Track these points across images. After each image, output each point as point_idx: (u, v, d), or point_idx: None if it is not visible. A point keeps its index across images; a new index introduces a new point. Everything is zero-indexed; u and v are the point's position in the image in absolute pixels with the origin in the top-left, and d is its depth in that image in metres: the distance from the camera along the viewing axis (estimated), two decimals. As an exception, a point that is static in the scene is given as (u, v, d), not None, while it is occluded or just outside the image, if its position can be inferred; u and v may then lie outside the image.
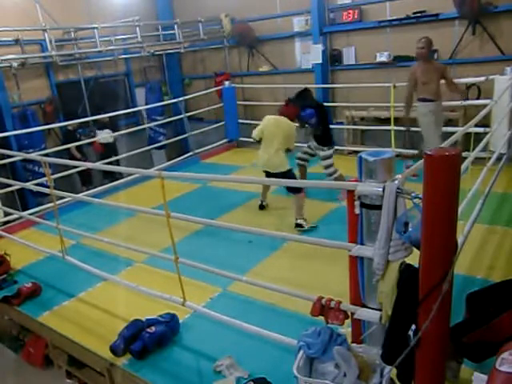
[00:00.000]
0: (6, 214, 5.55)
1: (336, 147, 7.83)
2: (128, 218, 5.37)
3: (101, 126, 7.81)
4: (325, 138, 5.59)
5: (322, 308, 2.47)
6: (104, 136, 7.57)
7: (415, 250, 1.94)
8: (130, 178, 6.73)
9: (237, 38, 8.86)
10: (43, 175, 6.61)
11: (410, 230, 1.89)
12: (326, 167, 5.62)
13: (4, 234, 5.09)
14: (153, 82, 9.37)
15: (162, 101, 8.94)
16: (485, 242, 4.15)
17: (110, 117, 7.49)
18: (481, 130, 5.34)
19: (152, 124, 8.67)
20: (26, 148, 6.97)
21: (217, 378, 2.81)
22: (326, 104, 8.00)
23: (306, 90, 5.67)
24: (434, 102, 5.32)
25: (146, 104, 8.74)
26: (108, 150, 7.66)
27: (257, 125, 5.46)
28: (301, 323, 2.88)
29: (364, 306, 2.34)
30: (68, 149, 6.93)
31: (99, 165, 5.75)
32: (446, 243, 1.77)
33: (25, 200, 7.16)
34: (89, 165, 4.95)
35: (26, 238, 4.96)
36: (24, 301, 3.95)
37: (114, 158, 7.27)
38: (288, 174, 4.98)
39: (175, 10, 9.91)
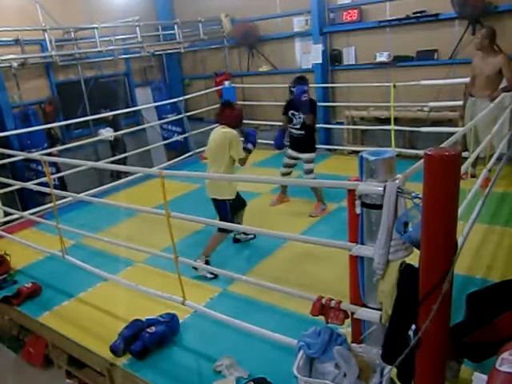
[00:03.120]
0: (6, 214, 5.55)
1: (336, 147, 7.88)
2: (128, 217, 5.37)
3: (103, 124, 7.83)
4: (310, 141, 5.28)
5: (322, 307, 2.47)
6: (105, 134, 7.58)
7: (415, 249, 1.94)
8: (130, 177, 6.73)
9: (239, 37, 8.84)
10: (41, 173, 6.66)
11: (410, 229, 1.89)
12: (308, 172, 5.30)
13: (4, 234, 5.09)
14: (156, 81, 9.36)
15: (171, 98, 8.79)
16: (484, 241, 4.15)
17: (112, 115, 7.50)
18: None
19: (159, 122, 8.62)
20: (29, 148, 6.99)
21: (217, 378, 2.81)
22: (326, 104, 8.08)
23: (304, 77, 5.29)
24: None
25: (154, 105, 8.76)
26: (116, 148, 7.70)
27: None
28: (301, 323, 2.88)
29: (364, 305, 2.34)
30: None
31: (101, 164, 5.74)
32: (445, 243, 1.77)
33: (24, 200, 7.15)
34: (89, 164, 4.94)
35: (25, 238, 4.96)
36: (24, 301, 3.95)
37: (117, 157, 7.26)
38: (223, 206, 4.18)
39: (175, 10, 9.91)
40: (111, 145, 8.04)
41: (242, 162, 4.26)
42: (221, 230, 4.15)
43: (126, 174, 7.22)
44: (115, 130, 7.64)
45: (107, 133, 7.64)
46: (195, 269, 4.01)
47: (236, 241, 4.73)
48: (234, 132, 4.20)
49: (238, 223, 4.47)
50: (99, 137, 7.54)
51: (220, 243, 4.22)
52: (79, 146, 6.91)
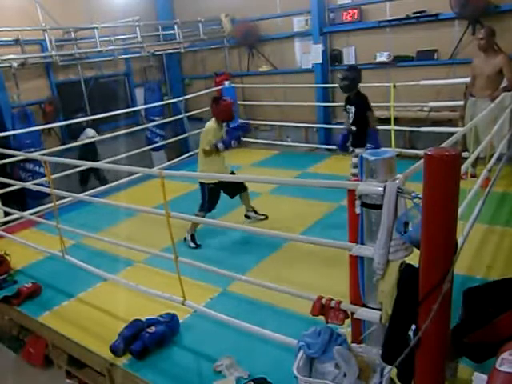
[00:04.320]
0: (6, 214, 5.54)
1: (336, 147, 7.84)
2: (128, 217, 5.37)
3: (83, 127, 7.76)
4: (362, 136, 4.74)
5: (322, 307, 2.47)
6: (90, 134, 7.55)
7: (415, 249, 1.94)
8: (130, 177, 6.72)
9: (240, 37, 8.84)
10: (43, 175, 6.65)
11: (410, 229, 1.89)
12: (355, 166, 4.89)
13: (4, 234, 5.09)
14: (151, 81, 9.36)
15: (162, 101, 8.90)
16: (484, 241, 4.15)
17: (92, 119, 7.34)
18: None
19: (149, 125, 8.56)
20: (27, 147, 6.97)
21: (217, 378, 2.81)
22: (326, 104, 8.08)
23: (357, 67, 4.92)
24: None
25: (145, 104, 8.73)
26: (86, 153, 7.49)
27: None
28: (301, 323, 2.88)
29: (364, 305, 2.34)
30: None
31: (101, 164, 5.75)
32: (446, 243, 1.77)
33: (24, 201, 7.15)
34: (89, 164, 4.95)
35: (26, 238, 4.97)
36: (24, 301, 3.95)
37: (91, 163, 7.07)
38: (202, 188, 4.73)
39: (175, 10, 9.91)
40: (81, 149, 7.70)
41: (206, 153, 4.64)
42: (201, 209, 4.72)
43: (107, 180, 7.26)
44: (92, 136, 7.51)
45: (83, 136, 7.54)
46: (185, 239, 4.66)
47: (247, 217, 5.10)
48: (211, 124, 4.66)
49: (246, 205, 5.06)
50: (83, 139, 7.46)
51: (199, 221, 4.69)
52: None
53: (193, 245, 4.66)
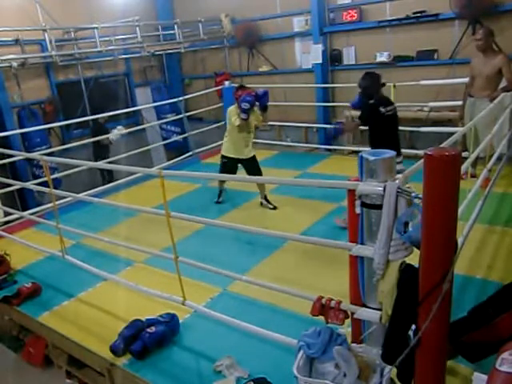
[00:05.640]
0: (6, 214, 5.55)
1: (336, 147, 7.87)
2: (128, 217, 5.36)
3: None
4: (372, 139, 4.42)
5: (322, 307, 2.46)
6: (116, 133, 7.52)
7: (415, 249, 1.94)
8: (130, 177, 6.72)
9: (240, 36, 8.85)
10: (54, 169, 6.75)
11: (410, 229, 1.89)
12: None
13: (4, 234, 5.09)
14: (157, 81, 9.39)
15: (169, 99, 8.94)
16: (484, 241, 4.15)
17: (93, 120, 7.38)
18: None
19: (158, 122, 8.78)
20: (38, 146, 7.04)
21: (217, 378, 2.80)
22: (325, 104, 8.07)
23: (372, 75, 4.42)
24: None
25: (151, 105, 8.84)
26: (99, 154, 7.58)
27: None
28: (301, 323, 2.88)
29: (364, 305, 2.34)
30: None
31: (100, 163, 5.75)
32: (445, 243, 1.77)
33: (25, 199, 7.17)
34: (89, 164, 4.95)
35: (26, 238, 4.96)
36: (24, 301, 3.94)
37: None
38: (220, 158, 5.60)
39: (175, 10, 9.92)
40: (94, 149, 7.78)
41: (240, 128, 5.28)
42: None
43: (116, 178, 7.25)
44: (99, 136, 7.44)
45: (118, 132, 7.52)
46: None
47: (261, 204, 5.61)
48: (231, 108, 5.37)
49: (260, 192, 5.57)
50: (110, 135, 7.45)
51: (223, 184, 5.81)
52: (79, 146, 6.93)
53: (216, 199, 5.71)
